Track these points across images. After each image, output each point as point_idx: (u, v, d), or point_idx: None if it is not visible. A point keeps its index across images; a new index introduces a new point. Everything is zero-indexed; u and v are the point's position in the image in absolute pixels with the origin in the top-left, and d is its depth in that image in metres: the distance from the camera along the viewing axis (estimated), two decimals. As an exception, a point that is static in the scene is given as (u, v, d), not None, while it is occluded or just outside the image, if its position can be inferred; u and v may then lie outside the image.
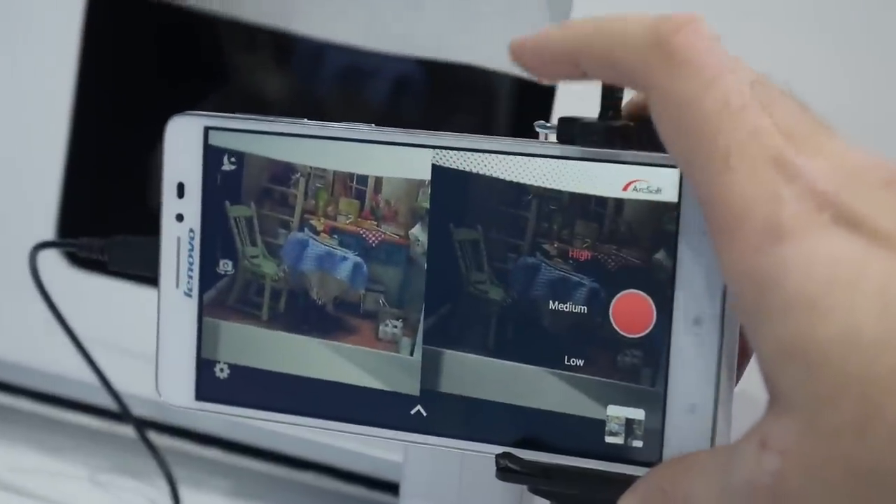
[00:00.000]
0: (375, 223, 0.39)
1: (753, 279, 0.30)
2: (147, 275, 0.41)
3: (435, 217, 0.39)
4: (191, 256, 0.41)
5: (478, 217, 0.38)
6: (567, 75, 0.34)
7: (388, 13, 0.56)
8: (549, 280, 0.38)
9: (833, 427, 0.27)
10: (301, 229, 0.40)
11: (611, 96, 0.36)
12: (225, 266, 0.41)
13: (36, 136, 0.61)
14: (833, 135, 0.30)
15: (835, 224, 0.29)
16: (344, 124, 0.40)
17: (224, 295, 0.41)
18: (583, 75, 0.33)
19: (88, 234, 0.46)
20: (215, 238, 0.41)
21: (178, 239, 0.41)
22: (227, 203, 0.41)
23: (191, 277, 0.41)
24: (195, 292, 0.41)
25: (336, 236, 0.40)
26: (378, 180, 0.39)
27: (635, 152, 0.37)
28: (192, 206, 0.41)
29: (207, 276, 0.41)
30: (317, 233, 0.40)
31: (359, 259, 0.40)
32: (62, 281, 0.49)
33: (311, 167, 0.40)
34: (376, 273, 0.40)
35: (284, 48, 0.69)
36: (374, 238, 0.40)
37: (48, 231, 0.59)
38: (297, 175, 0.40)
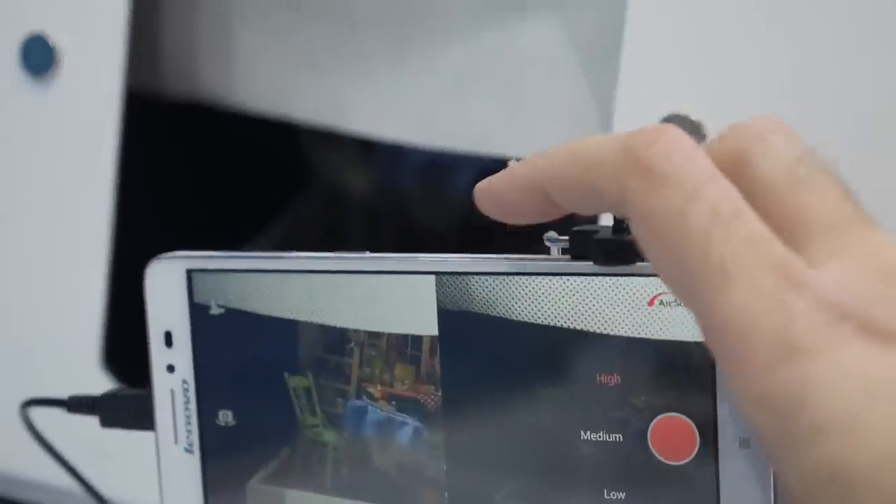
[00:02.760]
0: (433, 387, 0.38)
1: (771, 403, 0.27)
2: (144, 429, 0.40)
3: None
4: (187, 409, 0.40)
5: (500, 363, 0.37)
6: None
7: (433, 107, 0.56)
8: (580, 411, 0.36)
9: None
10: (359, 397, 0.39)
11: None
12: (225, 418, 0.39)
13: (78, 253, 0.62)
14: (868, 226, 0.28)
15: (861, 335, 0.26)
16: (336, 254, 0.38)
17: (230, 450, 0.40)
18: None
19: (134, 358, 0.46)
20: (211, 388, 0.39)
21: (172, 391, 0.40)
22: (286, 373, 0.39)
23: (189, 432, 0.40)
24: (196, 447, 0.39)
25: (394, 402, 0.39)
26: (433, 341, 0.38)
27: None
28: (182, 355, 0.40)
29: (208, 429, 0.39)
30: (374, 400, 0.39)
31: (419, 424, 0.38)
32: (60, 426, 0.48)
33: (366, 331, 0.38)
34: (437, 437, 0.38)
35: (362, 148, 0.70)
36: (432, 403, 0.38)
37: (92, 354, 0.60)
38: (352, 344, 0.39)
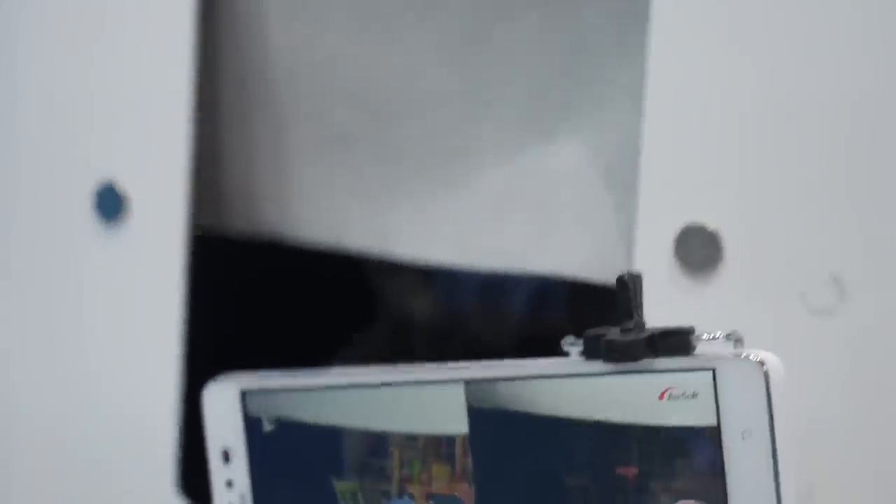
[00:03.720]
0: (468, 484, 0.41)
1: None
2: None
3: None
4: None
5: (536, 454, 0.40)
6: None
7: (473, 230, 0.61)
8: (603, 501, 0.39)
9: None
10: (400, 496, 0.42)
11: (627, 307, 0.38)
12: None
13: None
14: None
15: None
16: (373, 368, 0.42)
17: None
18: None
19: (205, 480, 0.49)
20: (267, 499, 0.43)
21: None
22: (334, 479, 0.43)
23: None
24: None
25: (432, 500, 0.42)
26: (464, 440, 0.41)
27: (665, 359, 0.38)
28: (239, 470, 0.43)
29: None
30: (415, 499, 0.42)
31: None
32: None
33: (404, 434, 0.42)
34: None
35: (421, 275, 0.75)
36: (468, 498, 0.42)
37: (167, 478, 0.64)
38: (391, 447, 0.43)
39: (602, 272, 0.56)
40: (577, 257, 0.58)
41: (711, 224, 0.51)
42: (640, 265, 0.52)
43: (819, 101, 0.51)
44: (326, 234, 0.67)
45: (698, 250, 0.51)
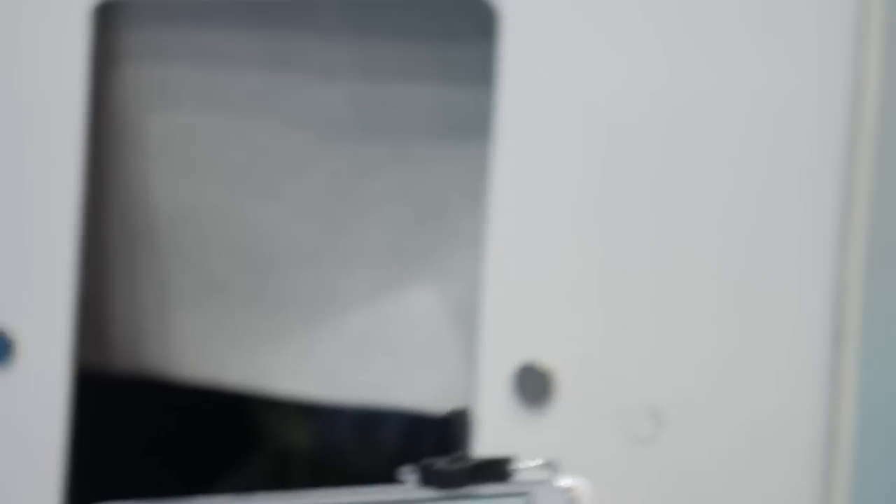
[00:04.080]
0: None
1: None
2: None
3: None
4: None
5: None
6: None
7: (339, 368, 0.66)
8: None
9: None
10: None
11: (457, 439, 0.43)
12: None
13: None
14: None
15: None
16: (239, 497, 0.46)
17: None
18: None
19: None
20: None
21: None
22: None
23: None
24: None
25: None
26: None
27: (489, 486, 0.42)
28: None
29: None
30: None
31: None
32: None
33: None
34: None
35: (302, 410, 0.79)
36: None
37: None
38: None
39: (451, 402, 0.61)
40: (430, 392, 0.63)
41: (546, 362, 0.56)
42: (482, 399, 0.57)
43: (640, 253, 0.57)
44: (208, 372, 0.71)
45: (534, 385, 0.56)
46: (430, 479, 0.44)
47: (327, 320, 0.68)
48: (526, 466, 0.46)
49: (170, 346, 0.74)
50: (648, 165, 0.59)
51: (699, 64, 0.59)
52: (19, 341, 0.70)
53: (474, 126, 0.62)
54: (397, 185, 0.66)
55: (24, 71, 0.71)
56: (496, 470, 0.43)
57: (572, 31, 0.60)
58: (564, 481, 0.45)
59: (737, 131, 0.59)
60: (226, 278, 0.71)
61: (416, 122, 0.66)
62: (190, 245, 0.72)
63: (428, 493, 0.43)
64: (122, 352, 0.74)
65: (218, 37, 0.71)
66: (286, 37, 0.69)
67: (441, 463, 0.44)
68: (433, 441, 0.69)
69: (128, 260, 0.74)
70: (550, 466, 0.45)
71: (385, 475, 0.74)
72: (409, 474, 0.46)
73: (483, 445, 0.56)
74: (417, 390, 0.63)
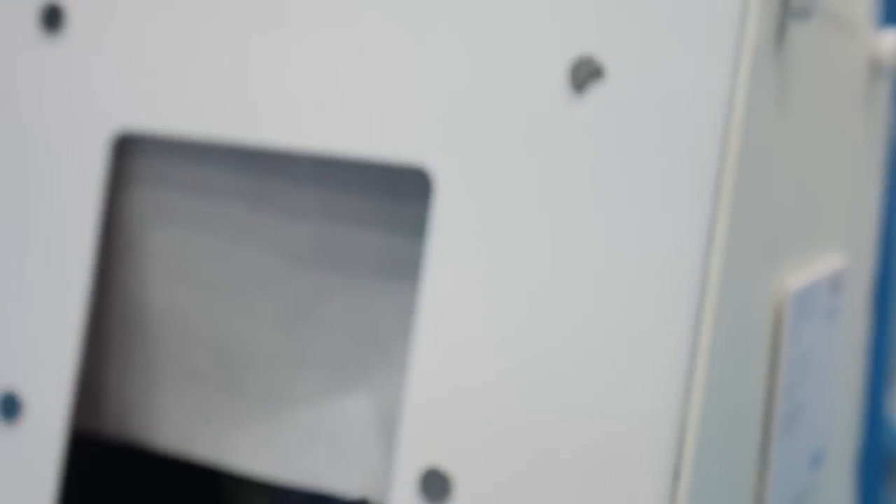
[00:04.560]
0: None
1: None
2: None
3: None
4: None
5: None
6: None
7: (290, 452, 0.73)
8: None
9: None
10: None
11: None
12: None
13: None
14: None
15: None
16: None
17: None
18: None
19: None
20: None
21: None
22: None
23: None
24: None
25: None
26: None
27: None
28: None
29: None
30: None
31: None
32: None
33: None
34: None
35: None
36: None
37: None
38: None
39: (375, 492, 0.70)
40: (358, 481, 0.72)
41: (446, 467, 0.64)
42: (395, 495, 0.65)
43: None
44: (181, 444, 0.79)
45: (435, 487, 0.65)
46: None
47: (281, 412, 0.75)
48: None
49: (152, 419, 0.80)
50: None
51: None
52: (27, 402, 0.78)
53: (411, 269, 0.69)
54: (346, 310, 0.73)
55: (52, 187, 0.79)
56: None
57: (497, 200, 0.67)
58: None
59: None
60: (202, 369, 0.78)
61: (365, 260, 0.72)
62: (175, 339, 0.79)
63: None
64: (112, 420, 0.82)
65: (210, 172, 0.77)
66: (266, 179, 0.75)
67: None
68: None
69: (122, 347, 0.81)
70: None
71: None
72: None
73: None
74: (349, 479, 0.71)
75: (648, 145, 0.62)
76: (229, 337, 0.77)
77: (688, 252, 0.62)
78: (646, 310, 0.62)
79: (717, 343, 0.62)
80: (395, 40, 0.69)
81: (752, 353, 0.69)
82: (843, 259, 0.85)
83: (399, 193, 0.71)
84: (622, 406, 0.62)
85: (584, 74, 0.64)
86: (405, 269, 0.70)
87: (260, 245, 0.76)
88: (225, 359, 0.78)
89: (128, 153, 0.79)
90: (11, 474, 0.79)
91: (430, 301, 0.66)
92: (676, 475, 0.61)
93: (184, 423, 0.80)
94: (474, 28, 0.67)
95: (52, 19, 0.78)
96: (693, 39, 0.62)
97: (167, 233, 0.79)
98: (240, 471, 0.77)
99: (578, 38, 0.64)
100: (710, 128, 0.61)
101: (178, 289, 0.79)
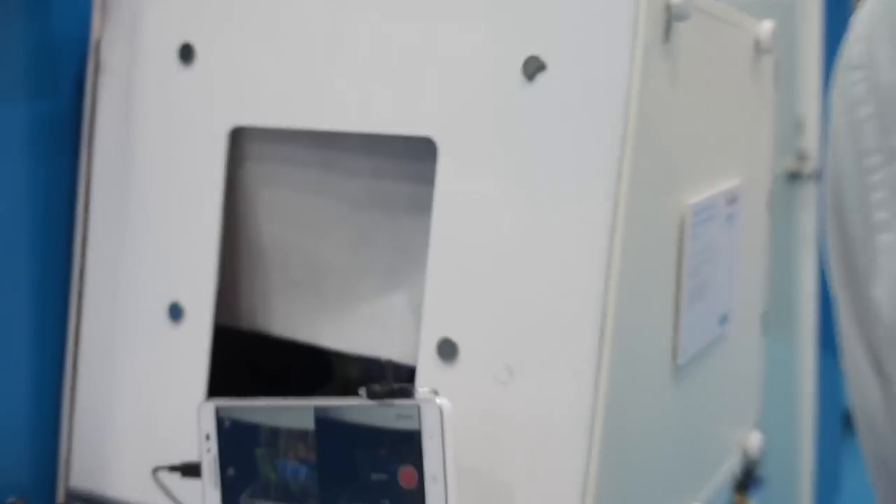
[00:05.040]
0: (315, 455, 0.71)
1: None
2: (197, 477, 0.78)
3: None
4: (215, 470, 0.76)
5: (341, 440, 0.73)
6: None
7: (354, 329, 0.87)
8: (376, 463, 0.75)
9: None
10: (284, 457, 0.75)
11: (388, 376, 0.76)
12: (230, 471, 0.74)
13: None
14: None
15: None
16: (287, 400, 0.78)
17: (234, 487, 0.76)
18: None
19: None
20: (224, 458, 0.76)
21: (210, 462, 0.77)
22: (256, 449, 0.74)
23: (216, 477, 0.77)
24: (218, 485, 0.77)
25: (297, 461, 0.73)
26: (313, 433, 0.73)
27: (399, 399, 0.75)
28: (213, 443, 0.75)
29: (224, 477, 0.77)
30: (290, 459, 0.72)
31: (307, 470, 0.72)
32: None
33: (288, 428, 0.73)
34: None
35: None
36: (314, 460, 0.72)
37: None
38: (280, 433, 0.74)
39: (410, 357, 0.85)
40: (401, 349, 0.88)
41: (455, 337, 0.81)
42: (421, 357, 0.81)
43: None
44: (289, 331, 0.95)
45: (447, 351, 0.81)
46: (371, 394, 0.73)
47: (350, 306, 0.91)
48: (420, 391, 0.72)
49: (270, 315, 0.95)
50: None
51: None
52: (186, 308, 0.95)
53: (430, 207, 0.81)
54: (389, 237, 0.88)
55: (195, 165, 0.95)
56: (404, 392, 0.73)
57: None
58: (438, 399, 0.72)
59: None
60: (298, 279, 0.94)
61: (400, 203, 0.88)
62: (280, 260, 0.95)
63: (370, 402, 0.74)
64: (242, 318, 0.97)
65: (294, 149, 0.93)
66: (331, 152, 0.91)
67: (376, 387, 0.73)
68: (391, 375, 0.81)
69: (246, 267, 0.96)
70: (433, 392, 0.73)
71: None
72: (362, 391, 0.73)
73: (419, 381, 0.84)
74: (394, 349, 0.88)
75: (577, 114, 0.79)
76: (315, 257, 0.92)
77: (603, 181, 0.77)
78: (576, 221, 0.78)
79: (628, 242, 0.79)
80: (413, 55, 0.86)
81: (661, 248, 0.86)
82: (740, 181, 1.05)
83: (418, 156, 0.85)
84: (564, 293, 0.80)
85: (533, 68, 0.81)
86: (427, 207, 0.83)
87: (330, 196, 0.92)
88: (313, 272, 0.92)
89: (240, 140, 0.94)
90: (180, 359, 0.96)
91: (439, 227, 0.81)
92: (602, 335, 0.78)
93: (289, 316, 0.95)
94: (462, 41, 0.84)
95: (186, 54, 0.95)
96: (602, 41, 0.80)
97: (269, 190, 0.94)
98: (327, 347, 0.93)
99: (529, 42, 0.82)
100: (616, 100, 0.79)
101: (279, 227, 0.94)
